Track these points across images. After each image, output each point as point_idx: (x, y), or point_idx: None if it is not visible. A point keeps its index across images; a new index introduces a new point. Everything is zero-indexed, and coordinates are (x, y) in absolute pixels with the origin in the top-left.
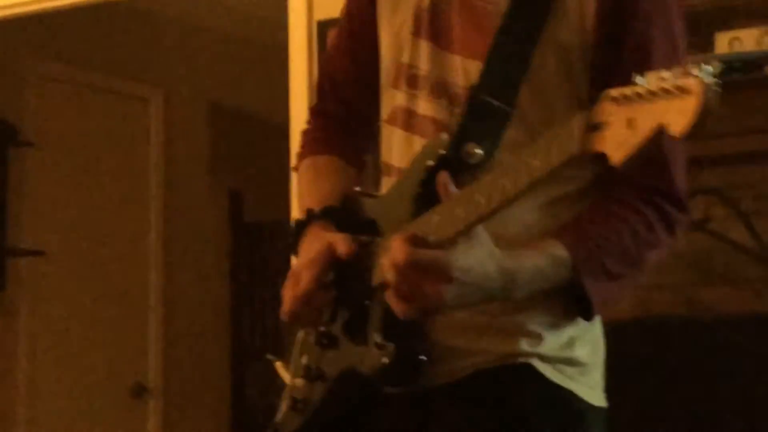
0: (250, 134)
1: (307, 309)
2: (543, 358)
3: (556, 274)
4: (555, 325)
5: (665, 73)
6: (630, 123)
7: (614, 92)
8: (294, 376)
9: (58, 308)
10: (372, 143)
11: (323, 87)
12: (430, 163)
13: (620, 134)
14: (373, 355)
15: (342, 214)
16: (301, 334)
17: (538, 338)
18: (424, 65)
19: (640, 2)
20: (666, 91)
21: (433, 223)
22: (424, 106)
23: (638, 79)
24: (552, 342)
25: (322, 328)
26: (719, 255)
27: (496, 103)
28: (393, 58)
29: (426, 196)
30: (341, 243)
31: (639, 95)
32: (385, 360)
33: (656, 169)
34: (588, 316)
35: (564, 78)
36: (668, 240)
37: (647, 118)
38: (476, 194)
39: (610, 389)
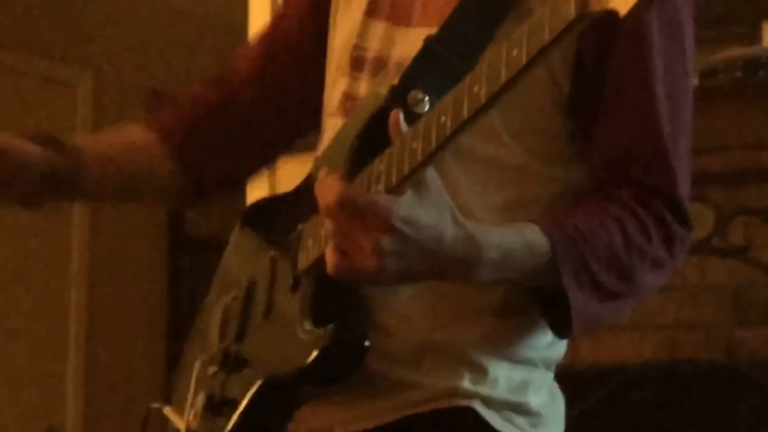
0: None
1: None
2: (488, 402)
3: (530, 263)
4: (507, 357)
5: None
6: None
7: None
8: (190, 416)
9: None
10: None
11: (237, 74)
12: (371, 110)
13: None
14: (303, 345)
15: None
16: (197, 366)
17: (482, 373)
18: (373, 45)
19: None
20: None
21: (378, 172)
22: (367, 88)
23: None
24: (501, 380)
25: (226, 348)
26: (761, 289)
27: (451, 56)
28: (341, 47)
29: (364, 150)
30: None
31: None
32: (323, 343)
33: (657, 167)
34: (563, 330)
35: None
36: (666, 257)
37: None
38: (437, 117)
39: None
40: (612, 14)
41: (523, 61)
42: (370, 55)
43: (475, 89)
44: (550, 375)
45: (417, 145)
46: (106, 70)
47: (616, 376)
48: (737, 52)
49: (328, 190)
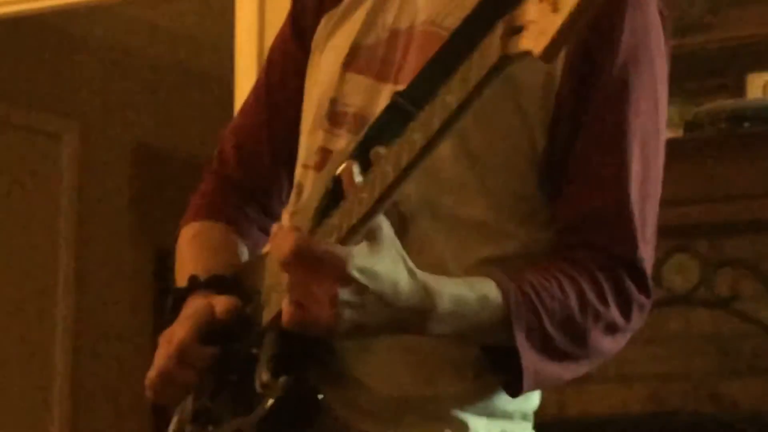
0: (181, 180)
1: (181, 370)
2: None
3: (484, 318)
4: (486, 412)
5: None
6: (554, 6)
7: None
8: None
9: None
10: (272, 222)
11: (226, 152)
12: (335, 172)
13: (543, 23)
14: (260, 397)
15: (232, 284)
16: (174, 423)
17: (463, 429)
18: (354, 101)
19: (620, 38)
20: None
21: (332, 225)
22: (344, 145)
23: None
24: None
25: (200, 404)
26: (748, 340)
27: (416, 111)
28: (319, 98)
29: (329, 209)
30: (220, 300)
31: None
32: (275, 394)
33: (620, 232)
34: (514, 389)
35: (512, 107)
36: (622, 322)
37: None
38: (382, 167)
39: None
40: (528, 55)
41: (454, 109)
42: (350, 110)
43: (414, 137)
44: (528, 425)
45: (364, 196)
46: (92, 121)
47: (604, 427)
48: (723, 104)
49: (284, 241)
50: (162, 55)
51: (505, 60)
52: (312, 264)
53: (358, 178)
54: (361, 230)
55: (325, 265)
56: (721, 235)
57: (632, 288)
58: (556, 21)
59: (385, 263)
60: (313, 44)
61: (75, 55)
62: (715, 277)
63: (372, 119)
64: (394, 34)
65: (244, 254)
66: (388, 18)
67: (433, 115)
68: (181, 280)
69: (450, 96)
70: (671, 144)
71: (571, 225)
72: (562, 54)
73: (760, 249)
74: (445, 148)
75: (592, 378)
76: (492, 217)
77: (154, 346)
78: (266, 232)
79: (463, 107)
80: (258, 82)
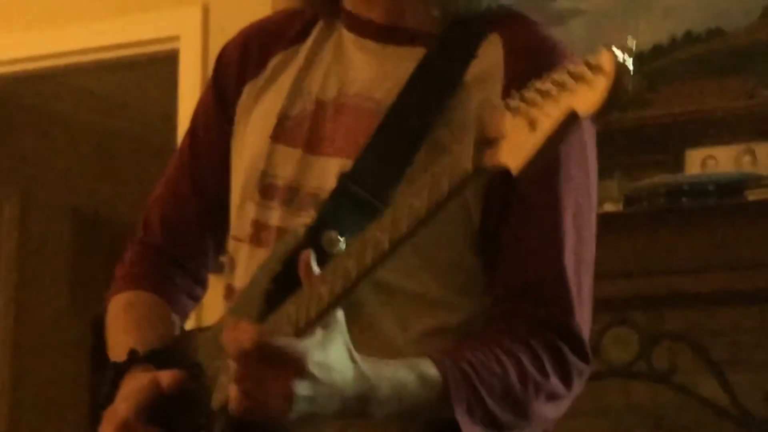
0: (121, 249)
1: None
2: None
3: (424, 397)
4: None
5: (561, 70)
6: (531, 125)
7: (510, 101)
8: None
9: None
10: (202, 289)
11: (151, 221)
12: (285, 252)
13: (519, 140)
14: None
15: (170, 356)
16: None
17: None
18: (283, 173)
19: None
20: (572, 76)
21: (288, 315)
22: (279, 217)
23: (530, 85)
24: None
25: None
26: (686, 413)
27: (365, 194)
28: (248, 170)
29: (279, 293)
30: (165, 374)
31: (541, 93)
32: None
33: (555, 301)
34: None
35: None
36: (563, 389)
37: (550, 112)
38: (344, 262)
39: None
40: (504, 171)
41: (423, 214)
42: (280, 182)
43: (379, 237)
44: None
45: (324, 290)
46: (32, 189)
47: None
48: (661, 179)
49: (243, 334)
50: (103, 123)
51: (480, 172)
52: (270, 359)
53: (315, 269)
54: (319, 324)
55: (284, 360)
56: (659, 308)
57: (571, 356)
58: (535, 140)
59: (336, 354)
60: (238, 112)
61: (16, 123)
62: (654, 350)
63: (304, 191)
64: (320, 105)
65: (176, 324)
66: (314, 86)
67: (400, 218)
68: (116, 353)
69: (418, 201)
70: (611, 217)
71: (507, 293)
72: None
73: (698, 322)
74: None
75: None
76: (433, 288)
77: (91, 418)
78: (194, 298)
79: (431, 213)
80: (181, 149)
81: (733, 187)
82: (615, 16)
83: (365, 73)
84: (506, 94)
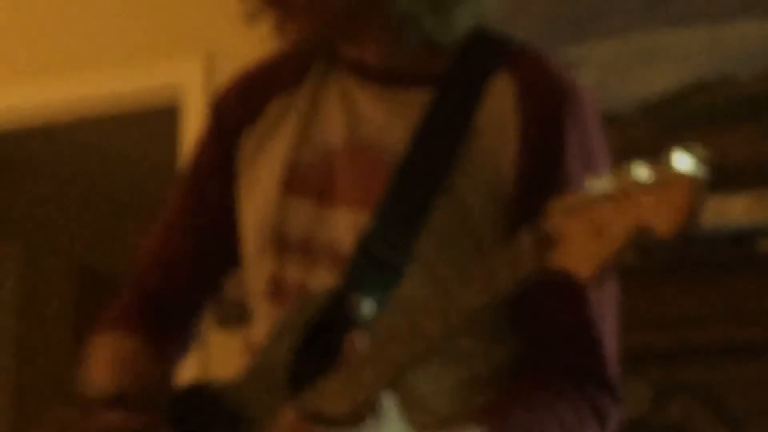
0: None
1: None
2: None
3: None
4: None
5: (623, 172)
6: (598, 230)
7: (563, 202)
8: None
9: None
10: (191, 338)
11: (145, 267)
12: (308, 318)
13: (586, 245)
14: None
15: (145, 401)
16: None
17: None
18: (297, 227)
19: (566, 140)
20: (641, 188)
21: (331, 393)
22: (296, 271)
23: (589, 184)
24: None
25: None
26: None
27: (387, 254)
28: (260, 222)
29: (306, 361)
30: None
31: (596, 199)
32: None
33: (585, 348)
34: None
35: (465, 233)
36: None
37: (620, 221)
38: (392, 346)
39: None
40: (573, 277)
41: (474, 310)
42: (294, 237)
43: (427, 326)
44: None
45: (368, 374)
46: (36, 244)
47: None
48: None
49: (292, 429)
50: (107, 177)
51: (542, 273)
52: None
53: (360, 348)
54: (367, 408)
55: None
56: (673, 360)
57: (605, 402)
58: (604, 249)
59: None
60: (241, 161)
61: (19, 178)
62: (668, 403)
63: (319, 244)
64: (330, 153)
65: (159, 370)
66: (321, 134)
67: (449, 309)
68: (95, 394)
69: (470, 295)
70: (623, 270)
71: (538, 343)
72: (511, 178)
73: (712, 374)
74: (413, 275)
75: None
76: (466, 340)
77: None
78: (183, 347)
79: (482, 309)
80: (178, 195)
81: (745, 237)
82: (621, 65)
83: (375, 119)
84: (525, 139)
